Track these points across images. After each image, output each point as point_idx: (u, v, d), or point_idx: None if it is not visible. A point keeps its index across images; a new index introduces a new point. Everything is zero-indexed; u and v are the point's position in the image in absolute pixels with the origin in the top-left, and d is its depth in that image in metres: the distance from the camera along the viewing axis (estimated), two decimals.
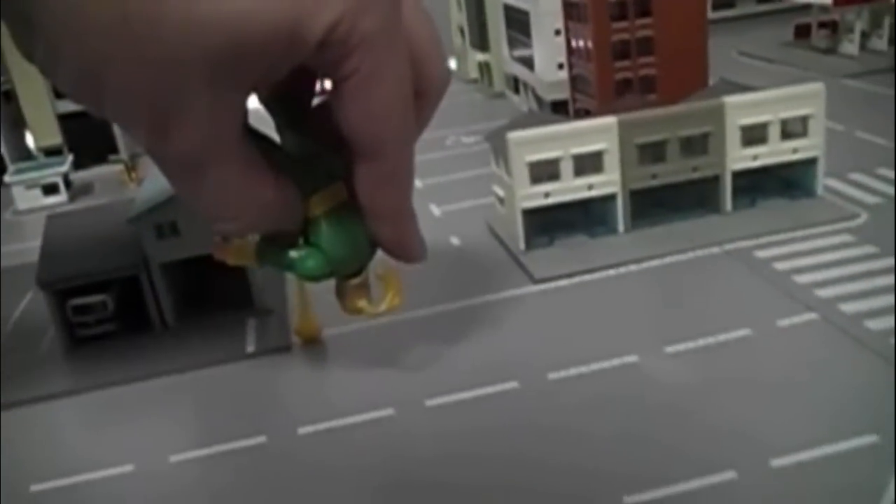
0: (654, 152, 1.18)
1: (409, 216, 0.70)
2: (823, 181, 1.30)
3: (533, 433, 0.82)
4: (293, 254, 0.71)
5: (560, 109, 1.75)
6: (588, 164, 1.16)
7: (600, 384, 0.88)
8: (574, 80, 1.69)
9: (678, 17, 1.52)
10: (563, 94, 1.75)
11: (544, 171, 1.15)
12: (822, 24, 2.26)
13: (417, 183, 1.60)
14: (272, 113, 0.80)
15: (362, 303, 0.78)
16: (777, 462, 0.73)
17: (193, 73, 0.50)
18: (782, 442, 0.75)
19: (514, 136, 1.13)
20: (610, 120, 1.15)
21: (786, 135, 1.22)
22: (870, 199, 1.26)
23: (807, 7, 2.31)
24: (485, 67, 2.29)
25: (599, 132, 1.15)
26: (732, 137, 1.19)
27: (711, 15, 2.79)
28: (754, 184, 1.25)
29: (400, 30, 0.66)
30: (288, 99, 0.77)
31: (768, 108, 1.20)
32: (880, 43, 2.09)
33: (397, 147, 0.70)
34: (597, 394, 0.87)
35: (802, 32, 2.35)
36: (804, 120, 1.21)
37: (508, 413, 0.86)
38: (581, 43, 1.60)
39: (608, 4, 1.51)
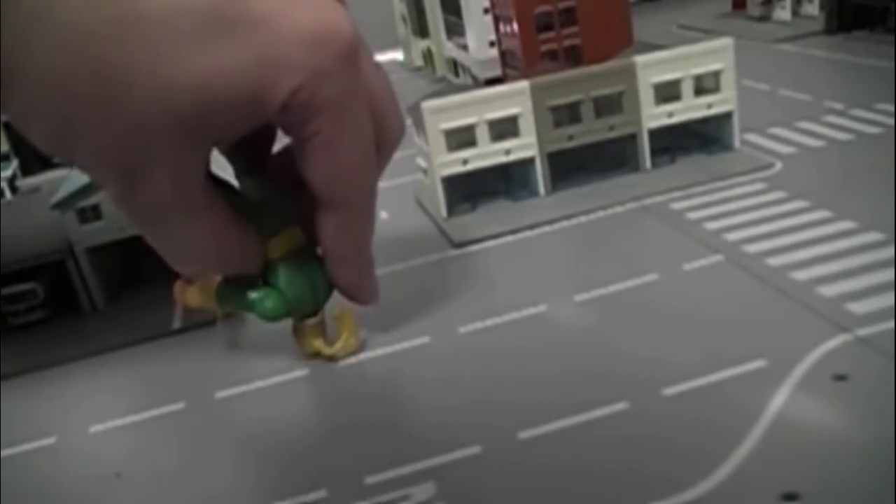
0: (568, 114, 1.20)
1: (367, 261, 0.78)
2: (743, 136, 1.32)
3: (436, 382, 0.84)
4: (253, 295, 0.76)
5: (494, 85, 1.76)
6: (504, 129, 1.18)
7: (507, 334, 0.90)
8: (504, 56, 1.71)
9: None
10: (497, 71, 1.77)
11: (461, 139, 1.17)
12: None
13: None
14: (231, 160, 0.84)
15: (318, 343, 0.84)
16: (668, 391, 0.75)
17: (160, 135, 0.53)
18: (675, 373, 0.77)
19: (428, 104, 1.15)
20: (522, 84, 1.17)
21: (700, 91, 1.24)
22: (785, 149, 1.29)
23: None
24: (427, 53, 2.32)
25: (512, 97, 1.17)
26: (646, 96, 1.22)
27: None
28: (673, 141, 1.27)
29: (360, 92, 0.69)
30: (248, 148, 0.81)
31: (679, 66, 1.22)
32: (811, 8, 2.12)
33: (359, 199, 0.76)
34: (501, 343, 0.89)
35: (739, 3, 2.38)
36: (716, 75, 1.24)
37: (417, 365, 0.88)
38: (507, 18, 1.62)
39: None
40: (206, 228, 0.62)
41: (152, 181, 0.55)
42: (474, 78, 1.86)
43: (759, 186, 1.16)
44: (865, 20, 1.90)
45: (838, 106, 1.45)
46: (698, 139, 1.29)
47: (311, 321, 0.81)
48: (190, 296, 0.73)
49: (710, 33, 2.27)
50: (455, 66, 2.08)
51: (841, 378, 0.72)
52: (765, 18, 2.24)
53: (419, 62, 2.41)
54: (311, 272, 0.79)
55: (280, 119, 0.63)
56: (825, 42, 1.93)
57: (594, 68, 1.21)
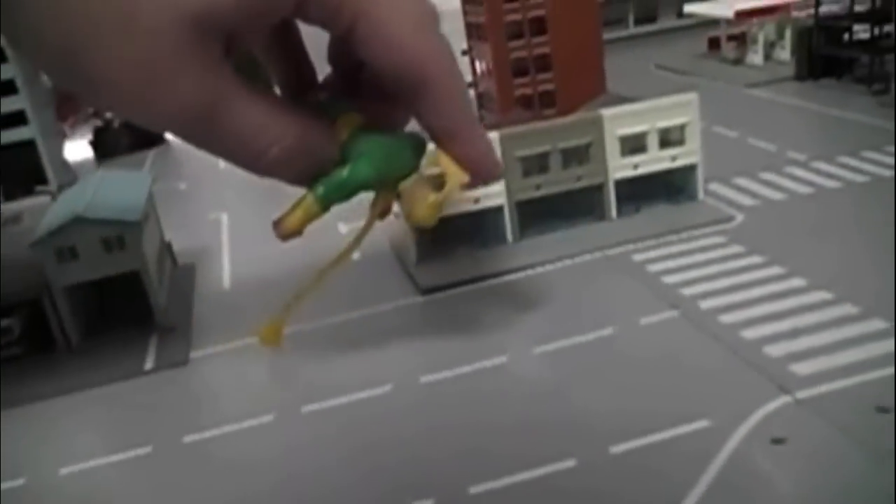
0: (537, 164, 1.24)
1: (478, 130, 0.67)
2: (709, 185, 1.36)
3: (395, 433, 0.87)
4: (344, 172, 0.65)
5: None
6: None
7: (467, 384, 0.94)
8: (480, 97, 1.75)
9: (572, 35, 1.59)
10: (474, 111, 1.80)
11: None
12: (731, 37, 2.34)
13: None
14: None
15: (431, 197, 0.71)
16: (615, 448, 0.78)
17: (176, 35, 0.53)
18: (623, 430, 0.80)
19: None
20: (491, 135, 1.21)
21: (665, 143, 1.28)
22: (747, 201, 1.33)
23: (717, 21, 2.39)
24: None
25: None
26: (612, 147, 1.25)
27: (634, 30, 2.89)
28: (638, 190, 1.31)
29: None
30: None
31: (645, 119, 1.26)
32: (784, 53, 2.17)
33: (439, 61, 0.66)
34: (461, 393, 0.92)
35: (714, 45, 2.43)
36: (682, 128, 1.28)
37: (378, 414, 0.91)
38: (483, 61, 1.66)
39: (506, 24, 1.57)
40: (258, 106, 0.57)
41: (179, 84, 0.52)
42: None
43: (718, 240, 1.20)
44: (833, 69, 1.95)
45: (801, 157, 1.49)
46: (664, 189, 1.33)
47: (409, 180, 0.69)
48: (287, 220, 0.64)
49: (685, 74, 2.32)
50: None
51: (779, 441, 0.75)
52: (738, 61, 2.29)
53: None
54: (390, 135, 0.69)
55: (307, 13, 0.62)
56: (795, 88, 1.97)
57: (562, 120, 1.25)
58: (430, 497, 0.75)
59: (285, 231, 0.66)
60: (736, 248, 1.16)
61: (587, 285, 1.13)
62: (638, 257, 1.18)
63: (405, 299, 1.17)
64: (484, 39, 1.62)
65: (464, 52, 1.78)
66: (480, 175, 0.66)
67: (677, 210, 1.30)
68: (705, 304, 1.02)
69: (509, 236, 1.25)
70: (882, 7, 1.77)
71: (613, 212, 1.28)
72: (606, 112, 1.24)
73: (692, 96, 1.27)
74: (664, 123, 1.27)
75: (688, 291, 1.06)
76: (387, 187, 0.65)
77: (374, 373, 0.99)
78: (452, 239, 1.26)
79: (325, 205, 0.64)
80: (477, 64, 1.72)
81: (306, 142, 0.60)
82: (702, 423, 0.80)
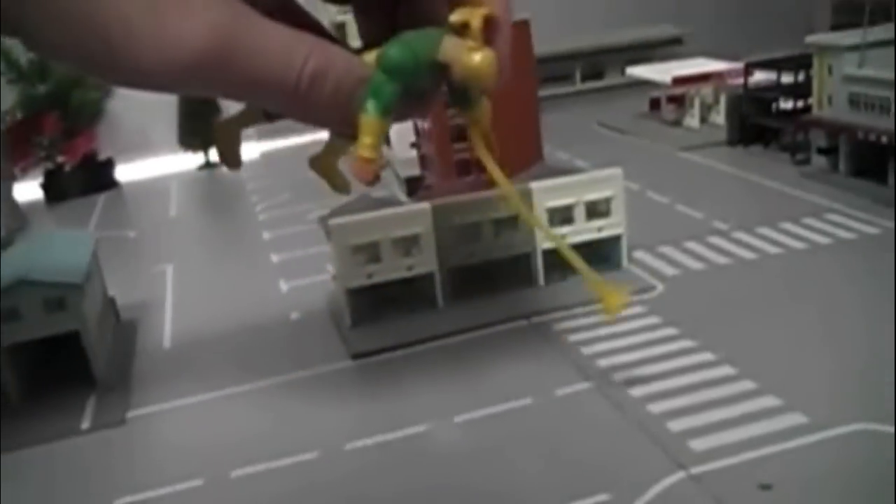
0: (469, 233, 1.30)
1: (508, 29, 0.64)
2: (635, 253, 1.43)
3: (323, 500, 0.92)
4: (379, 72, 0.61)
5: (413, 185, 1.86)
6: (407, 246, 1.27)
7: (390, 453, 0.98)
8: (422, 159, 1.81)
9: (510, 102, 1.65)
10: (417, 170, 1.87)
11: (366, 254, 1.26)
12: (670, 99, 2.43)
13: (273, 258, 1.70)
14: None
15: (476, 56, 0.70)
16: None
17: None
18: (530, 502, 0.85)
19: (335, 222, 1.24)
20: (424, 206, 1.27)
21: (592, 214, 1.35)
22: (670, 271, 1.40)
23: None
24: None
25: (415, 217, 1.27)
26: (541, 218, 1.32)
27: (581, 86, 2.98)
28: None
29: None
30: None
31: (573, 192, 1.33)
32: (718, 117, 2.25)
33: None
34: (381, 462, 0.97)
35: (655, 105, 2.52)
36: (607, 201, 1.34)
37: (303, 482, 0.95)
38: (424, 125, 1.72)
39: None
40: (278, 26, 0.56)
41: (191, 6, 0.53)
42: (397, 175, 1.96)
43: (638, 310, 1.26)
44: (761, 137, 2.04)
45: (723, 227, 1.57)
46: (591, 258, 1.39)
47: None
48: (359, 152, 0.58)
49: (625, 133, 2.41)
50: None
51: None
52: (677, 123, 2.38)
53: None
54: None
55: None
56: (726, 154, 2.06)
57: (492, 192, 1.31)
58: None
59: (364, 163, 0.59)
60: (653, 320, 1.23)
61: (511, 353, 1.18)
62: (560, 326, 1.24)
63: (337, 363, 1.22)
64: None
65: None
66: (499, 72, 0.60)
67: (603, 278, 1.36)
68: (618, 377, 1.08)
69: (440, 302, 1.31)
70: (805, 82, 1.86)
71: (541, 279, 1.34)
72: (535, 185, 1.30)
73: (617, 171, 1.34)
74: (591, 196, 1.33)
75: (603, 363, 1.12)
76: (434, 80, 0.63)
77: (302, 438, 1.04)
78: (386, 304, 1.32)
79: (382, 110, 0.58)
80: (419, 127, 1.78)
81: (338, 55, 0.59)
82: (601, 497, 0.85)
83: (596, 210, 1.35)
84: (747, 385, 1.03)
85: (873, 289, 1.26)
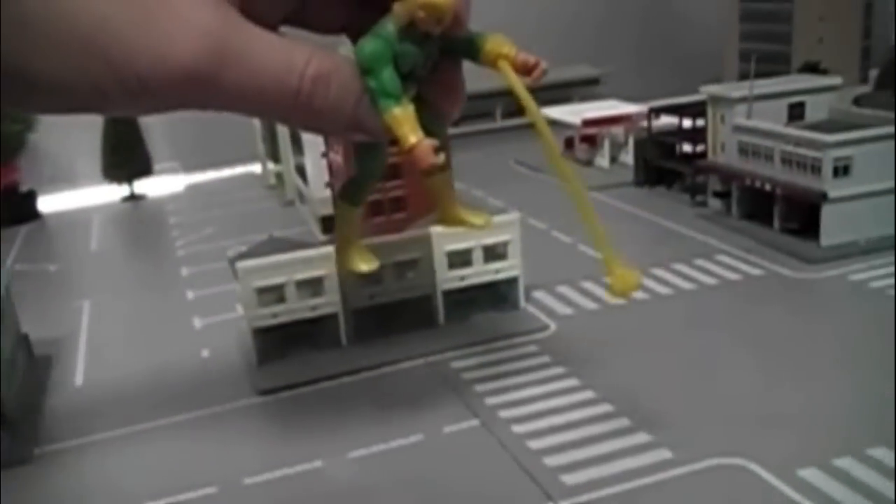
0: (371, 276, 1.36)
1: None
2: (533, 293, 1.51)
3: None
4: (361, 63, 0.60)
5: (329, 223, 1.92)
6: (311, 287, 1.33)
7: (284, 488, 1.04)
8: (336, 199, 1.87)
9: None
10: (331, 209, 1.93)
11: (272, 295, 1.32)
12: (583, 139, 2.53)
13: (189, 294, 1.75)
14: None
15: None
16: None
17: None
18: None
19: (242, 265, 1.30)
20: (328, 250, 1.33)
21: (489, 257, 1.42)
22: (564, 310, 1.47)
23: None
24: (278, 177, 2.47)
25: (319, 260, 1.33)
26: (440, 262, 1.39)
27: (501, 123, 3.07)
28: (467, 299, 1.44)
29: None
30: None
31: (471, 236, 1.40)
32: (628, 158, 2.35)
33: None
34: (277, 497, 1.02)
35: (569, 144, 2.61)
36: (505, 245, 1.42)
37: None
38: (338, 165, 1.78)
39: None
40: (274, 35, 0.56)
41: (188, 15, 0.52)
42: (314, 214, 2.02)
43: (531, 349, 1.34)
44: (665, 179, 2.14)
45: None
46: (490, 298, 1.47)
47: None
48: (408, 142, 0.61)
49: (539, 171, 2.49)
50: (301, 194, 2.24)
51: None
52: (589, 163, 2.48)
53: (272, 181, 2.56)
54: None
55: None
56: (631, 195, 2.15)
57: (394, 237, 1.38)
58: None
59: (419, 151, 0.58)
60: (544, 359, 1.30)
61: (407, 391, 1.25)
62: (456, 364, 1.30)
63: (244, 400, 1.27)
64: (337, 150, 1.75)
65: (323, 155, 1.91)
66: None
67: (500, 318, 1.44)
68: (504, 414, 1.15)
69: (344, 341, 1.37)
70: (703, 128, 1.96)
71: (441, 319, 1.41)
72: (435, 230, 1.37)
73: (515, 217, 1.42)
74: (489, 241, 1.41)
75: (492, 401, 1.19)
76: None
77: (205, 473, 1.09)
78: (292, 342, 1.37)
79: (395, 98, 0.58)
80: (333, 168, 1.84)
81: (340, 58, 0.57)
82: None
83: (494, 253, 1.43)
84: (623, 422, 1.11)
85: (748, 329, 1.35)
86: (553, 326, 1.41)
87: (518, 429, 1.11)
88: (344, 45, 0.69)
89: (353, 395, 1.26)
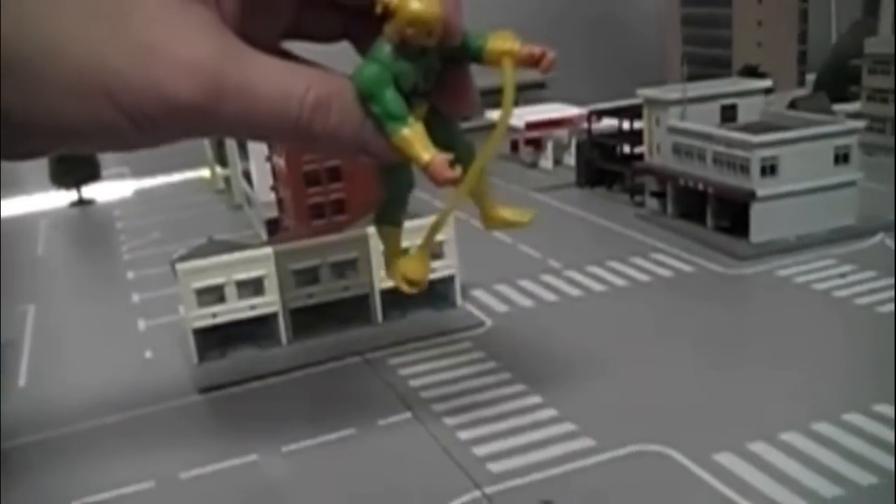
0: (309, 276, 1.40)
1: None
2: (471, 292, 1.55)
3: None
4: (360, 88, 0.63)
5: (273, 227, 1.95)
6: (250, 287, 1.36)
7: (219, 482, 1.07)
8: (280, 203, 1.90)
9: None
10: (276, 213, 1.96)
11: (211, 295, 1.34)
12: (528, 141, 2.57)
13: (134, 297, 1.77)
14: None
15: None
16: None
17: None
18: None
19: (181, 266, 1.33)
20: (266, 251, 1.36)
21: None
22: (500, 307, 1.51)
23: None
24: (227, 181, 2.49)
25: (258, 261, 1.36)
26: (378, 260, 1.42)
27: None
28: (406, 297, 1.47)
29: None
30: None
31: (407, 237, 1.43)
32: (571, 159, 2.40)
33: None
34: (211, 491, 1.05)
35: (514, 147, 2.66)
36: (441, 244, 1.46)
37: None
38: (281, 170, 1.81)
39: None
40: (274, 59, 0.53)
41: (180, 43, 0.49)
42: (259, 217, 2.04)
43: (465, 345, 1.37)
44: (605, 179, 2.19)
45: (557, 265, 1.70)
46: (429, 296, 1.50)
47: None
48: (422, 161, 0.57)
49: (486, 174, 2.52)
50: (248, 198, 2.26)
51: None
52: (534, 165, 2.52)
53: (221, 186, 2.58)
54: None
55: None
56: (573, 195, 2.20)
57: (331, 238, 1.42)
58: None
59: (435, 166, 0.58)
60: (478, 354, 1.34)
61: (343, 387, 1.28)
62: (393, 361, 1.34)
63: (184, 398, 1.29)
64: (280, 153, 1.78)
65: (267, 159, 1.93)
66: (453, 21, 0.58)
67: (438, 316, 1.48)
68: (437, 407, 1.19)
69: (284, 340, 1.40)
70: (641, 130, 2.01)
71: (380, 318, 1.45)
72: (372, 230, 1.41)
73: (449, 218, 1.45)
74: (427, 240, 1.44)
75: (425, 394, 1.22)
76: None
77: (143, 469, 1.11)
78: (232, 341, 1.40)
79: (402, 120, 0.51)
80: (276, 171, 1.87)
81: (342, 82, 0.52)
82: None
83: (432, 252, 1.45)
84: (550, 413, 1.15)
85: (676, 323, 1.40)
86: (489, 323, 1.45)
87: (449, 421, 1.15)
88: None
89: (290, 392, 1.29)
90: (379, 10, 0.57)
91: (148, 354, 1.48)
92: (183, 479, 1.09)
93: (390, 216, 0.78)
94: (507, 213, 0.79)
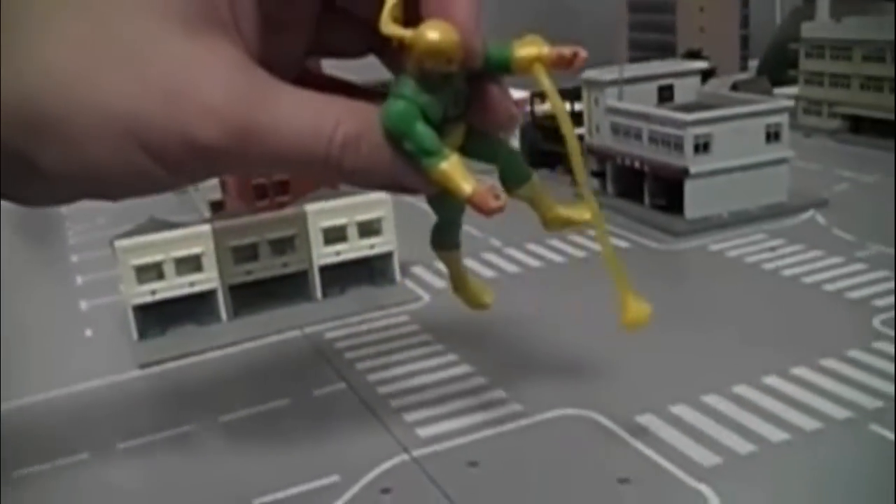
0: (248, 252, 1.41)
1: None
2: (412, 268, 1.58)
3: (92, 497, 1.01)
4: (389, 128, 0.57)
5: (217, 208, 1.96)
6: (189, 265, 1.37)
7: (156, 451, 1.09)
8: (223, 184, 1.91)
9: None
10: (219, 195, 1.97)
11: (150, 273, 1.36)
12: None
13: (78, 279, 1.77)
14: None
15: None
16: (259, 500, 0.95)
17: (181, 43, 0.50)
18: (271, 484, 0.97)
19: (120, 244, 1.34)
20: (205, 228, 1.38)
21: (364, 233, 1.48)
22: (439, 283, 1.54)
23: None
24: None
25: (197, 238, 1.37)
26: (316, 238, 1.44)
27: None
28: (344, 273, 1.50)
29: None
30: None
31: (345, 213, 1.46)
32: (515, 142, 2.43)
33: None
34: (148, 460, 1.07)
35: None
36: (378, 221, 1.48)
37: (75, 480, 1.04)
38: None
39: None
40: (304, 93, 0.54)
41: (203, 86, 0.50)
42: (203, 199, 2.05)
43: (402, 319, 1.40)
44: (548, 161, 2.22)
45: (498, 244, 1.73)
46: (367, 272, 1.53)
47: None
48: (463, 192, 0.59)
49: None
50: None
51: (386, 491, 0.95)
52: None
53: None
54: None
55: None
56: None
57: (269, 215, 1.43)
58: None
59: (479, 197, 0.57)
60: (413, 328, 1.37)
61: (282, 361, 1.30)
62: (330, 335, 1.36)
63: (123, 374, 1.30)
64: None
65: None
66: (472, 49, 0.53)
67: (377, 291, 1.50)
68: (371, 377, 1.21)
69: (223, 316, 1.41)
70: (579, 112, 2.05)
71: (319, 293, 1.47)
72: (310, 207, 1.43)
73: (385, 196, 1.48)
74: (362, 217, 1.47)
75: (361, 366, 1.25)
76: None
77: (80, 440, 1.12)
78: (171, 318, 1.42)
79: (438, 155, 0.55)
80: None
81: (368, 117, 0.54)
82: (332, 478, 0.98)
83: (369, 229, 1.48)
84: (480, 381, 1.18)
85: (607, 296, 1.43)
86: (427, 298, 1.48)
87: (383, 390, 1.17)
88: None
89: (229, 366, 1.31)
90: (395, 44, 0.56)
91: (88, 333, 1.49)
92: (119, 449, 1.10)
93: (446, 239, 0.79)
94: (567, 211, 0.79)
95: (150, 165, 0.52)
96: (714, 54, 2.84)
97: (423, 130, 0.55)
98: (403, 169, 0.56)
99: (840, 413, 1.04)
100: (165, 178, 0.54)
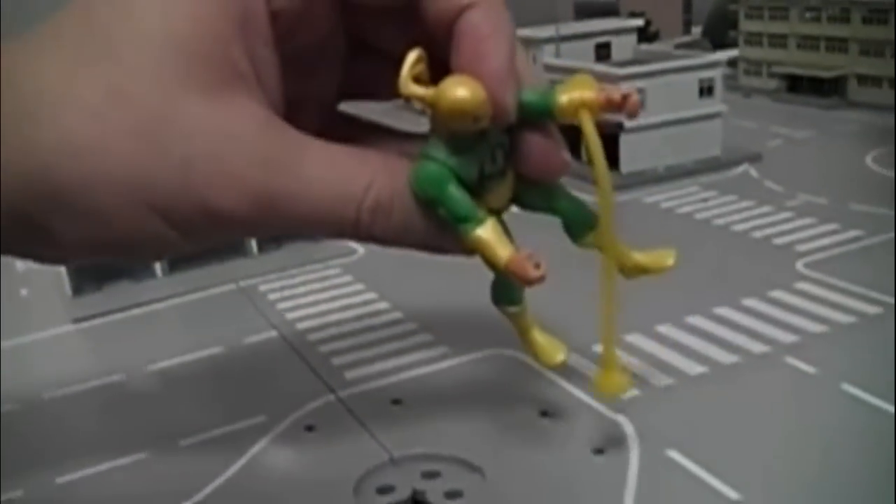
0: None
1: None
2: None
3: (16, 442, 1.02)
4: (419, 194, 0.53)
5: None
6: None
7: (85, 399, 1.09)
8: None
9: None
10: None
11: None
12: None
13: None
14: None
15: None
16: (185, 441, 0.96)
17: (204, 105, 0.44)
18: (198, 425, 0.98)
19: None
20: None
21: None
22: None
23: None
24: None
25: None
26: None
27: None
28: None
29: None
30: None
31: None
32: None
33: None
34: (79, 408, 1.08)
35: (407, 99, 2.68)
36: None
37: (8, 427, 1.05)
38: None
39: None
40: (335, 149, 0.52)
41: (226, 150, 0.49)
42: None
43: (335, 271, 1.41)
44: None
45: None
46: None
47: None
48: (501, 258, 0.56)
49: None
50: None
51: (310, 429, 0.96)
52: (424, 112, 2.55)
53: None
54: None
55: None
56: None
57: None
58: None
59: (516, 264, 0.54)
60: (346, 279, 1.38)
61: (213, 312, 1.31)
62: (263, 287, 1.37)
63: (55, 328, 1.31)
64: None
65: None
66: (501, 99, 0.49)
67: (312, 246, 1.51)
68: (302, 325, 1.23)
69: (159, 272, 1.42)
70: None
71: (255, 249, 1.47)
72: None
73: None
74: None
75: (291, 315, 1.26)
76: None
77: (12, 391, 1.13)
78: (107, 275, 1.42)
79: (474, 220, 0.52)
80: None
81: (400, 179, 0.51)
82: (259, 419, 0.99)
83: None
84: (409, 326, 1.19)
85: (540, 247, 1.45)
86: (361, 251, 1.49)
87: (313, 336, 1.19)
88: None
89: (163, 319, 1.31)
90: (418, 106, 0.53)
91: (24, 292, 1.49)
92: (46, 398, 1.10)
93: (506, 296, 0.74)
94: (645, 259, 0.74)
95: (168, 233, 0.51)
96: (658, 18, 2.86)
97: (455, 194, 0.52)
98: (437, 235, 0.54)
99: (758, 348, 1.07)
100: (182, 245, 0.53)
